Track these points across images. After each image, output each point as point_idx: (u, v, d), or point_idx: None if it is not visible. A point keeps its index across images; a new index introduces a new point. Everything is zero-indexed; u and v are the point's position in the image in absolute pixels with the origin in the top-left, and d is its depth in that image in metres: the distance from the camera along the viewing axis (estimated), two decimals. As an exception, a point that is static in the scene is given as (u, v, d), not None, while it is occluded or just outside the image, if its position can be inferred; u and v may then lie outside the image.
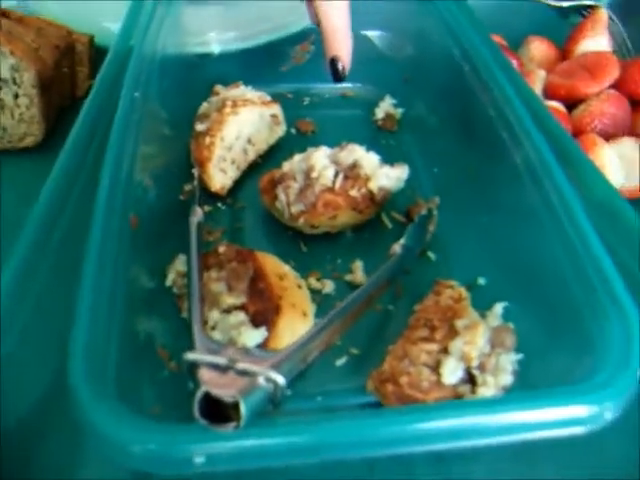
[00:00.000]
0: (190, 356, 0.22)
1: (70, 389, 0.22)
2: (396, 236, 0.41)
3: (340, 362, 0.35)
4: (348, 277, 0.40)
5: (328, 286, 0.39)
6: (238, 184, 0.47)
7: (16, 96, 0.47)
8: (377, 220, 0.45)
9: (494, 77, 0.39)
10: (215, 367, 0.22)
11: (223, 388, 0.20)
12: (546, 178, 0.32)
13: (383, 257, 0.38)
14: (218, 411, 0.21)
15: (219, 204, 0.46)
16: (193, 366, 0.22)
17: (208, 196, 0.45)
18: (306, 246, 0.42)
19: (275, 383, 0.21)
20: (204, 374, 0.21)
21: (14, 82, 0.47)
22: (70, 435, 0.25)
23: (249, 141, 0.47)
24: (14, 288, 0.27)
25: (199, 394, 0.20)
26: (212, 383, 0.21)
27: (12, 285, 0.27)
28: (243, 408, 0.20)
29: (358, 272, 0.40)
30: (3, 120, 0.48)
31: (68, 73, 0.53)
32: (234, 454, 0.21)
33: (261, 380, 0.21)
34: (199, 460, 0.20)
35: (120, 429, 0.21)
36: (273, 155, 0.50)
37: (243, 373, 0.21)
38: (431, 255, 0.42)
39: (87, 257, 0.27)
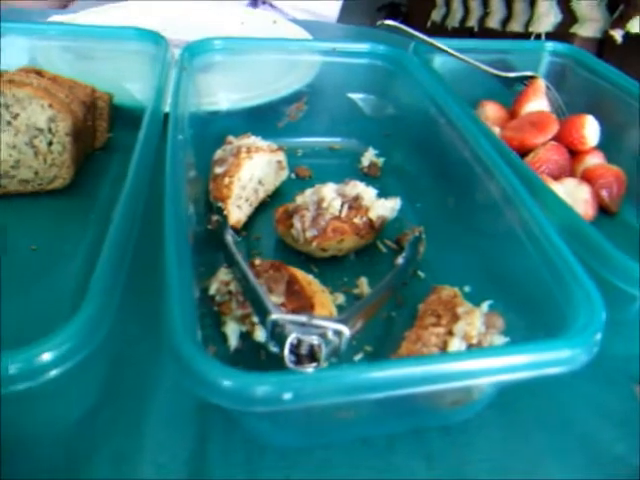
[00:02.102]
0: (274, 316, 0.28)
1: (172, 345, 0.27)
2: (390, 259, 0.49)
3: (357, 357, 0.42)
4: (356, 290, 0.47)
5: (340, 298, 0.46)
6: (250, 219, 0.54)
7: (50, 143, 0.53)
8: (374, 246, 0.52)
9: (467, 126, 0.49)
10: (295, 323, 0.28)
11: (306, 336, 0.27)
12: (519, 202, 0.41)
13: (382, 274, 0.45)
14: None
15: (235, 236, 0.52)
16: (275, 326, 0.28)
17: (226, 229, 0.52)
18: (317, 268, 0.49)
19: (341, 335, 0.28)
20: (289, 327, 0.27)
21: (49, 131, 0.53)
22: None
23: (260, 182, 0.55)
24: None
25: (291, 339, 0.26)
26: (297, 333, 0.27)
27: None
28: (324, 350, 0.26)
29: (363, 286, 0.47)
30: (35, 164, 0.54)
31: (91, 126, 0.59)
32: (317, 391, 0.26)
33: (330, 333, 0.28)
34: (287, 396, 0.26)
35: (219, 370, 0.26)
36: (278, 195, 0.58)
37: (318, 327, 0.28)
38: (421, 274, 0.50)
39: (168, 259, 0.32)
